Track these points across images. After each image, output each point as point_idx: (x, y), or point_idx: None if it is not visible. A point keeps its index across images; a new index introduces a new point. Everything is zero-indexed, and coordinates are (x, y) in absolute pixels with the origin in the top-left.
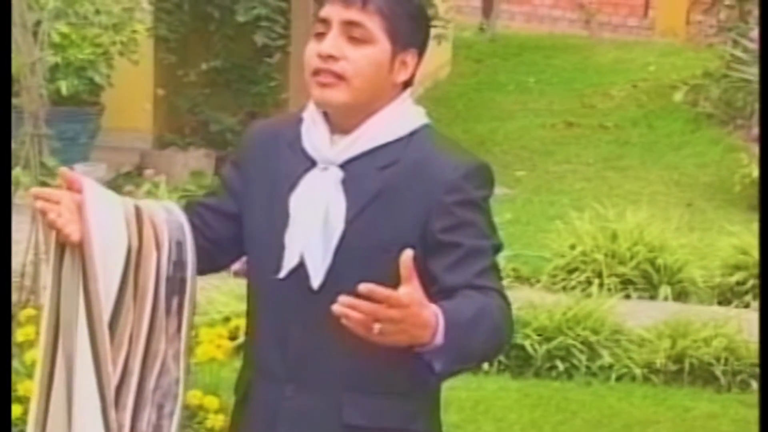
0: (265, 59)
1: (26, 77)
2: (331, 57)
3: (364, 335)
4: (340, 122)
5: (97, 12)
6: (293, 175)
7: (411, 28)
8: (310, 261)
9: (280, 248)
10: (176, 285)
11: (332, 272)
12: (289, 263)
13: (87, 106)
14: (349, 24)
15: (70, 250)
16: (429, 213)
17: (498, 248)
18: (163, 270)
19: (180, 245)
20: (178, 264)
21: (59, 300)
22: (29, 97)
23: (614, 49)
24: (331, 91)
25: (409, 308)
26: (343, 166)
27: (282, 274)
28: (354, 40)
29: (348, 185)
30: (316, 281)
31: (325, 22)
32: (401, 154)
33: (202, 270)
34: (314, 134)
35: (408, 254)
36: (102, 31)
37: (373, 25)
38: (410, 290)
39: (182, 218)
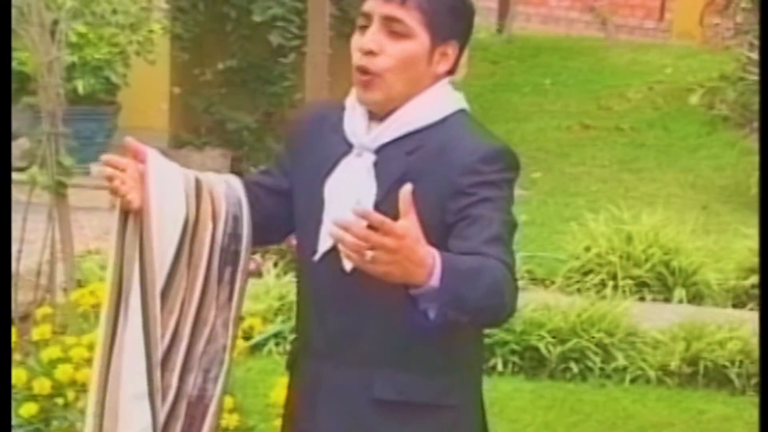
0: (280, 59)
1: (43, 76)
2: (370, 52)
3: (357, 262)
4: (378, 111)
5: (114, 12)
6: (332, 159)
7: (451, 21)
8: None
9: (317, 231)
10: (230, 256)
11: None
12: (323, 246)
13: (103, 106)
14: (389, 19)
15: (133, 218)
16: (447, 195)
17: (511, 224)
18: (218, 241)
19: (237, 219)
20: (234, 237)
21: (122, 267)
22: (46, 96)
23: (630, 51)
24: (369, 90)
25: (404, 240)
26: (377, 151)
27: (316, 257)
28: (394, 34)
29: (378, 170)
30: (348, 264)
31: (367, 16)
32: (428, 140)
33: (256, 243)
34: (353, 120)
35: (407, 188)
36: (119, 31)
37: (412, 20)
38: (407, 224)
39: (241, 193)
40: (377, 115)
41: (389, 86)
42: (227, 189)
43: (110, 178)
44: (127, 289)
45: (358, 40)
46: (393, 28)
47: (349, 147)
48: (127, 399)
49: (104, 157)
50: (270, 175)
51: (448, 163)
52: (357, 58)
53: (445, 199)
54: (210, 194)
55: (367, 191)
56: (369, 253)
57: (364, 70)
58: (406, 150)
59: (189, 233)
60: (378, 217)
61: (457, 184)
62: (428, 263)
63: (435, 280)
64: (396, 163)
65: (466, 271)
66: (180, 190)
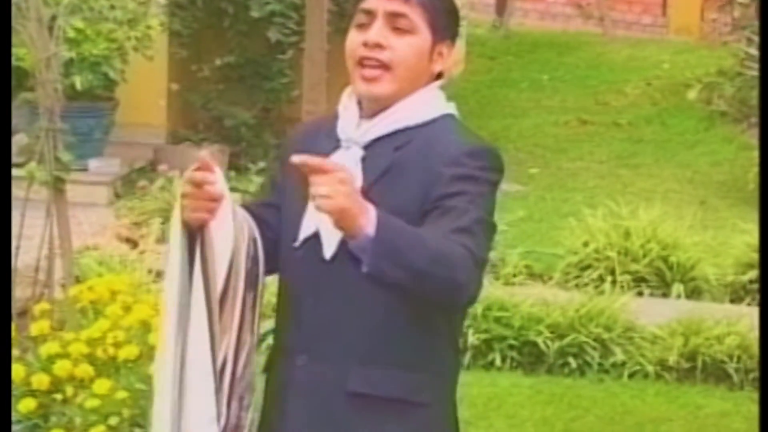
0: (278, 55)
1: (41, 72)
2: (378, 46)
3: (316, 193)
4: (372, 108)
5: (112, 7)
6: (321, 155)
7: (447, 21)
8: (324, 232)
9: (300, 220)
10: (252, 280)
11: (344, 243)
12: (305, 232)
13: (101, 102)
14: (393, 15)
15: (188, 233)
16: (430, 184)
17: (486, 223)
18: (245, 263)
19: (255, 242)
20: (255, 260)
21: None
22: (44, 91)
23: (628, 47)
24: (377, 84)
25: (350, 173)
26: (366, 147)
27: (297, 243)
28: (398, 30)
29: (366, 163)
30: (328, 251)
31: (369, 13)
32: (416, 136)
33: (267, 269)
34: (344, 118)
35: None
36: (116, 27)
37: (416, 16)
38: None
39: (249, 217)
40: (367, 112)
41: (399, 80)
42: (242, 212)
43: (196, 196)
44: (184, 306)
45: (358, 36)
46: (397, 24)
47: (339, 143)
48: (195, 426)
49: (194, 175)
50: (266, 195)
51: (434, 155)
52: (362, 51)
53: (427, 188)
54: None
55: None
56: (324, 189)
57: (373, 61)
58: (395, 146)
59: (236, 253)
60: (319, 159)
61: (441, 173)
62: (370, 211)
63: (371, 229)
64: (383, 158)
65: (409, 232)
66: (230, 209)
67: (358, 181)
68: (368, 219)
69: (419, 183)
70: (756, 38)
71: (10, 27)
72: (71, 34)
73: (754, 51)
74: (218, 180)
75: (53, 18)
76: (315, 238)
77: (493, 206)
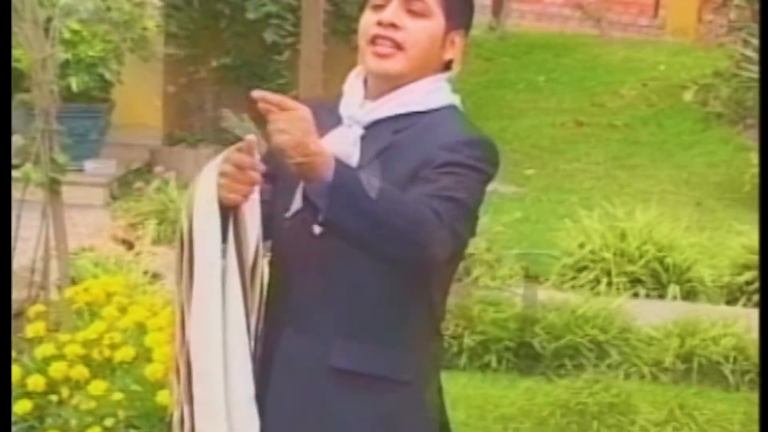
0: (274, 57)
1: (37, 73)
2: (392, 25)
3: (275, 131)
4: (379, 87)
5: (108, 9)
6: (321, 131)
7: (462, 10)
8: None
9: (294, 193)
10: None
11: None
12: (297, 204)
13: (97, 103)
14: None
15: (222, 213)
16: (422, 165)
17: (465, 205)
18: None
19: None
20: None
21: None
22: (40, 93)
23: (624, 48)
24: (389, 61)
25: (306, 111)
26: (367, 127)
27: (289, 214)
28: (413, 13)
29: (364, 143)
30: (317, 227)
31: None
32: (417, 122)
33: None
34: (349, 96)
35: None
36: (112, 28)
37: (432, 0)
38: None
39: None
40: (373, 93)
41: (411, 60)
42: None
43: (237, 179)
44: (215, 284)
45: (372, 16)
46: (412, 7)
47: (340, 121)
48: (237, 405)
49: (242, 159)
50: (265, 168)
51: (432, 140)
52: (375, 30)
53: (418, 169)
54: None
55: (349, 159)
56: (281, 124)
57: (387, 39)
58: (395, 129)
59: (259, 232)
60: (279, 96)
61: (435, 155)
62: (328, 155)
63: (328, 173)
64: (381, 139)
65: (370, 182)
66: (258, 192)
67: (355, 159)
68: (326, 162)
69: (413, 164)
70: (752, 40)
71: (10, 30)
72: (67, 35)
73: (750, 53)
74: (260, 166)
75: (49, 19)
76: (307, 210)
77: (479, 196)
